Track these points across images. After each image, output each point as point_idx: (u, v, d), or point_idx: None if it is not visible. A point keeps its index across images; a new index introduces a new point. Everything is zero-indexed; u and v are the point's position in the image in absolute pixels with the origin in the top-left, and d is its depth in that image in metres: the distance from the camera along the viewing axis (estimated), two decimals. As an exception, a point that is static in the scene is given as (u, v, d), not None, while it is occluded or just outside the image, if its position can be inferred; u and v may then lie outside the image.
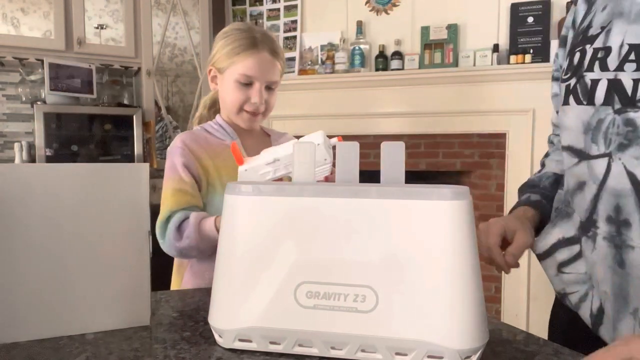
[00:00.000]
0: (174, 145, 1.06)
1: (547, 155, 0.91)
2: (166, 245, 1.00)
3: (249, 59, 1.03)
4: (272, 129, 1.23)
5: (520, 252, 0.73)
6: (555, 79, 0.84)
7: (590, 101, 0.66)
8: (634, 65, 0.61)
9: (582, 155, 0.68)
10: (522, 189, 0.87)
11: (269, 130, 1.22)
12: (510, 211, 0.85)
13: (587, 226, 0.68)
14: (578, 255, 0.72)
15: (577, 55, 0.69)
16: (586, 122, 0.66)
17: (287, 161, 0.89)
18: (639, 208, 0.61)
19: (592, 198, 0.66)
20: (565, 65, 0.74)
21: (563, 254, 0.74)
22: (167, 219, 0.99)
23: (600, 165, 0.65)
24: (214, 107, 1.17)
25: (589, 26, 0.70)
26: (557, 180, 0.84)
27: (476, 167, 2.61)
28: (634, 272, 0.63)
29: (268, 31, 1.19)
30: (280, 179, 0.92)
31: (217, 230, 0.96)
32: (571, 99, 0.69)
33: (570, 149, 0.71)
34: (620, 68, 0.62)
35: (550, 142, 0.92)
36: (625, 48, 0.62)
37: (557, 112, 0.82)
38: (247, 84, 1.05)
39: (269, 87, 1.08)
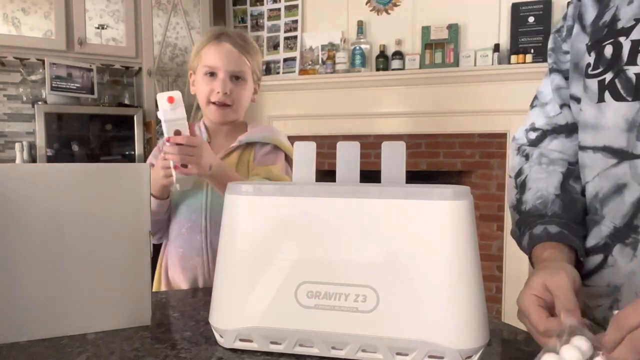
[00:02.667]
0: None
1: (520, 172, 0.76)
2: None
3: (210, 50, 1.06)
4: (257, 123, 1.19)
5: None
6: (555, 70, 0.76)
7: (637, 96, 0.60)
8: None
9: (623, 155, 0.62)
10: (528, 222, 0.70)
11: (252, 126, 1.17)
12: (531, 253, 0.68)
13: (626, 233, 0.62)
14: (600, 266, 0.66)
15: (609, 49, 0.63)
16: (630, 118, 0.60)
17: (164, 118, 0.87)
18: None
19: (635, 201, 0.60)
20: (590, 60, 0.67)
21: (585, 265, 0.67)
22: None
23: None
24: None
25: (615, 20, 0.64)
26: (567, 203, 0.70)
27: (477, 167, 2.61)
28: None
29: (242, 31, 1.19)
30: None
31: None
32: (607, 96, 0.63)
33: (606, 150, 0.64)
34: None
35: (525, 155, 0.77)
36: None
37: (561, 106, 0.75)
38: (212, 74, 1.06)
39: (237, 78, 1.07)
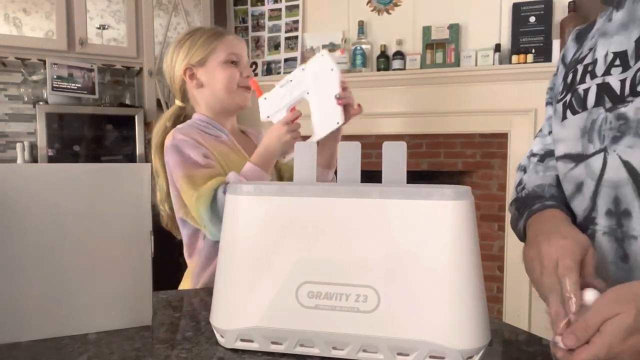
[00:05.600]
0: (177, 138, 1.00)
1: (520, 183, 0.83)
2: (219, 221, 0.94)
3: (228, 40, 1.12)
4: (246, 128, 1.25)
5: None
6: (549, 103, 0.86)
7: (584, 107, 0.69)
8: (619, 69, 0.65)
9: (578, 158, 0.69)
10: (527, 203, 0.76)
11: (245, 128, 1.24)
12: (527, 218, 0.72)
13: (585, 225, 0.68)
14: None
15: (570, 75, 0.74)
16: (582, 126, 0.69)
17: (300, 79, 1.00)
18: (638, 196, 0.61)
19: (591, 196, 0.67)
20: (561, 88, 0.77)
21: None
22: (215, 196, 0.94)
23: (596, 161, 0.66)
24: (179, 120, 1.15)
25: (581, 53, 0.75)
26: (562, 193, 0.76)
27: (478, 167, 2.61)
28: (639, 264, 0.61)
29: None
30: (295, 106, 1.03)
31: (255, 164, 1.01)
32: (568, 113, 0.72)
33: (567, 157, 0.73)
34: (607, 73, 0.66)
35: (523, 169, 0.86)
36: (610, 56, 0.67)
37: (550, 132, 0.83)
38: (233, 62, 1.11)
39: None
